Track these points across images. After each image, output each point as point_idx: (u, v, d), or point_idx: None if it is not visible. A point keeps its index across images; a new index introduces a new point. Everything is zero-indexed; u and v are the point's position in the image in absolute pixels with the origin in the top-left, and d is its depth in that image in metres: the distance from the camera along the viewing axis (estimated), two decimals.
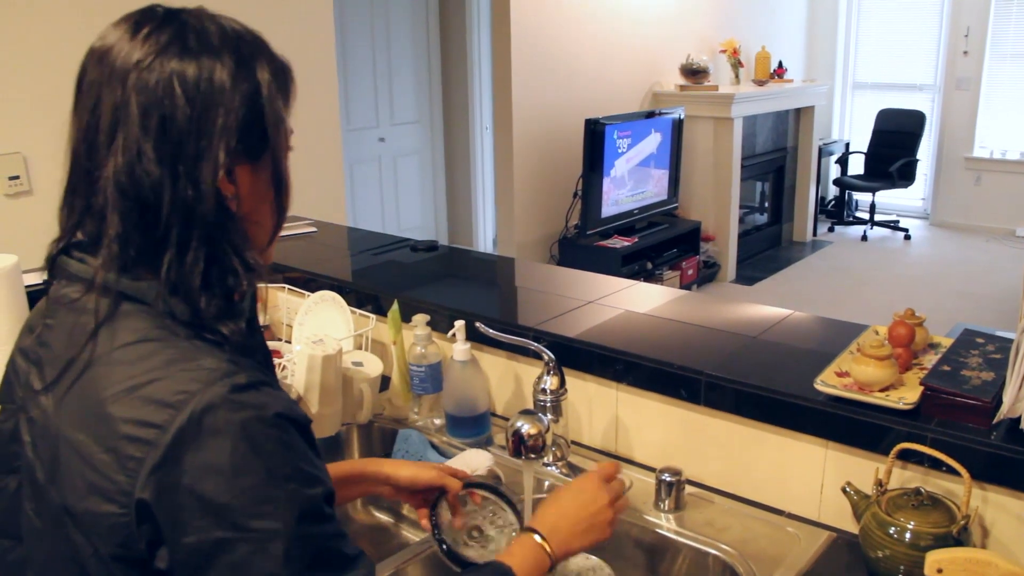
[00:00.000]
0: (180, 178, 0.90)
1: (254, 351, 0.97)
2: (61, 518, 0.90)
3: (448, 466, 1.43)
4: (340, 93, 4.44)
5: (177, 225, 0.90)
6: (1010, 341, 1.32)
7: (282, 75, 1.03)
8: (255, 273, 0.96)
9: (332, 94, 4.08)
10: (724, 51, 6.98)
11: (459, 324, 1.78)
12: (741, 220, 6.92)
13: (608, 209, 5.70)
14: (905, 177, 7.94)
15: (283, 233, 2.47)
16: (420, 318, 1.86)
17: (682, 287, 6.07)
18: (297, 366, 1.72)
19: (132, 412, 0.86)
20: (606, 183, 5.62)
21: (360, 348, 1.96)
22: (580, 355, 1.69)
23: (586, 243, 5.64)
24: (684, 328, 1.75)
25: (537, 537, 1.18)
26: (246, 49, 0.98)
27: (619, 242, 5.69)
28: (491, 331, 1.70)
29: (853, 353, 1.46)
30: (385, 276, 2.18)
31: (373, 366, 1.87)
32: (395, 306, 1.89)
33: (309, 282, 2.17)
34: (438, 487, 1.33)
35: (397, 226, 6.68)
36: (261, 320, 2.12)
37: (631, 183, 5.87)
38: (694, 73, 6.57)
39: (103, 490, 0.86)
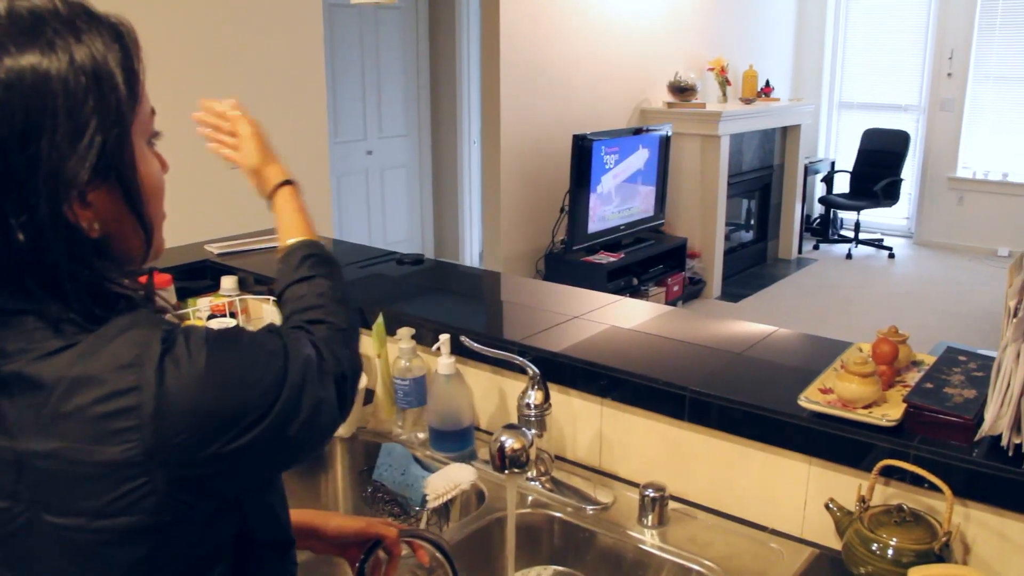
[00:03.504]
0: (12, 223, 0.81)
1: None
2: (67, 536, 0.83)
3: (383, 519, 1.34)
4: (328, 105, 4.44)
5: (29, 273, 0.83)
6: (992, 359, 1.33)
7: (118, 45, 0.86)
8: (135, 292, 0.89)
9: (320, 106, 4.08)
10: (712, 69, 7.01)
11: (444, 338, 1.77)
12: (727, 237, 6.94)
13: (595, 225, 5.71)
14: (890, 196, 7.99)
15: (270, 244, 2.48)
16: (405, 331, 1.85)
17: (667, 303, 6.08)
18: None
19: (95, 392, 0.80)
20: (593, 199, 5.63)
21: None
22: (565, 370, 1.69)
23: (572, 258, 5.64)
24: (669, 344, 1.75)
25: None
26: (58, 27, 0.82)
27: (605, 258, 5.70)
28: (476, 345, 1.69)
29: (837, 370, 1.46)
30: (370, 289, 2.18)
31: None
32: (380, 319, 1.88)
33: None
34: (371, 537, 1.24)
35: (383, 239, 6.67)
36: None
37: (618, 199, 5.89)
38: (682, 91, 6.60)
39: (114, 476, 0.81)
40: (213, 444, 0.84)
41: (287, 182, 1.32)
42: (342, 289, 1.16)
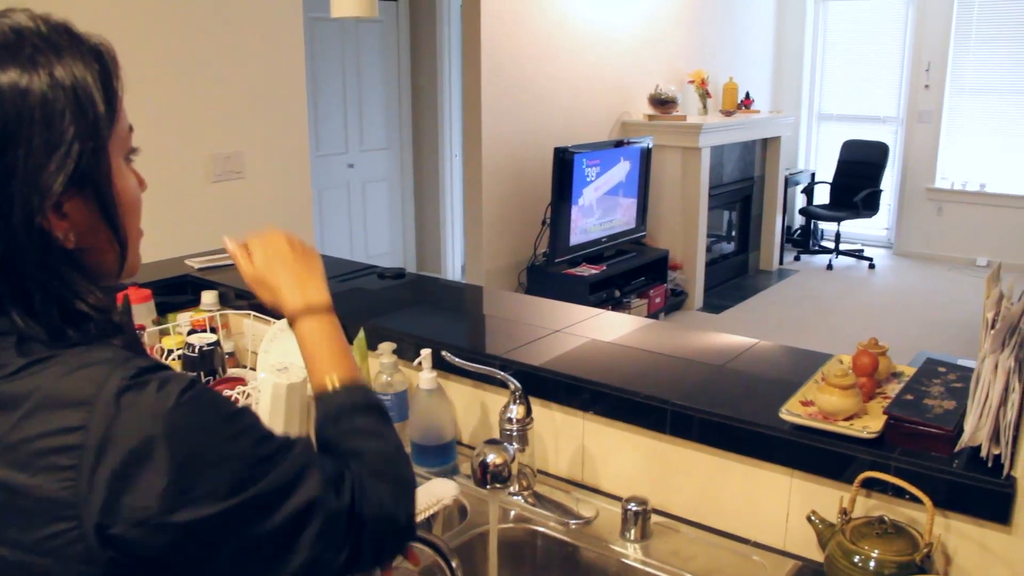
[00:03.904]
0: None
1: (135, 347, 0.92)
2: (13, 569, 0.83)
3: None
4: (309, 118, 4.44)
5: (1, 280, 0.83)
6: (971, 370, 1.33)
7: (98, 65, 0.87)
8: (104, 312, 0.88)
9: (301, 119, 4.07)
10: (692, 82, 7.05)
11: (425, 352, 1.77)
12: (708, 249, 6.97)
13: (576, 237, 5.72)
14: (869, 207, 8.04)
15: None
16: (386, 346, 1.84)
17: (649, 315, 6.10)
18: (262, 394, 1.70)
19: (44, 426, 0.79)
20: (574, 211, 5.64)
21: None
22: (546, 384, 1.68)
23: (554, 271, 5.65)
24: (651, 357, 1.75)
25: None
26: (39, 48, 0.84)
27: (587, 270, 5.71)
28: (457, 360, 1.69)
29: (818, 382, 1.47)
30: (351, 303, 2.17)
31: None
32: (361, 334, 1.87)
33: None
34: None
35: (365, 253, 6.66)
36: (227, 347, 2.11)
37: (599, 211, 5.90)
38: (662, 103, 6.63)
39: (47, 514, 0.79)
40: (152, 506, 0.79)
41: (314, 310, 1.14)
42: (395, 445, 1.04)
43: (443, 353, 1.72)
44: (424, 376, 1.77)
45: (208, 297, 2.19)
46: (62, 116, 0.83)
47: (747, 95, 7.53)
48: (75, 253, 0.87)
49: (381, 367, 1.84)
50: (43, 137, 0.82)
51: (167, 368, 0.85)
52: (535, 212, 5.77)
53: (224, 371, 1.93)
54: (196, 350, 1.87)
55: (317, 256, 1.22)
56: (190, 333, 2.02)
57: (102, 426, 0.78)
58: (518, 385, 1.62)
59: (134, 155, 0.94)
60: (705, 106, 7.11)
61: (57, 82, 0.83)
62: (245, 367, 2.10)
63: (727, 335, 1.88)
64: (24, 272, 0.83)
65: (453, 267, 7.05)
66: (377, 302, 2.18)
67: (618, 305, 5.86)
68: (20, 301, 0.84)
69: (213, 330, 2.11)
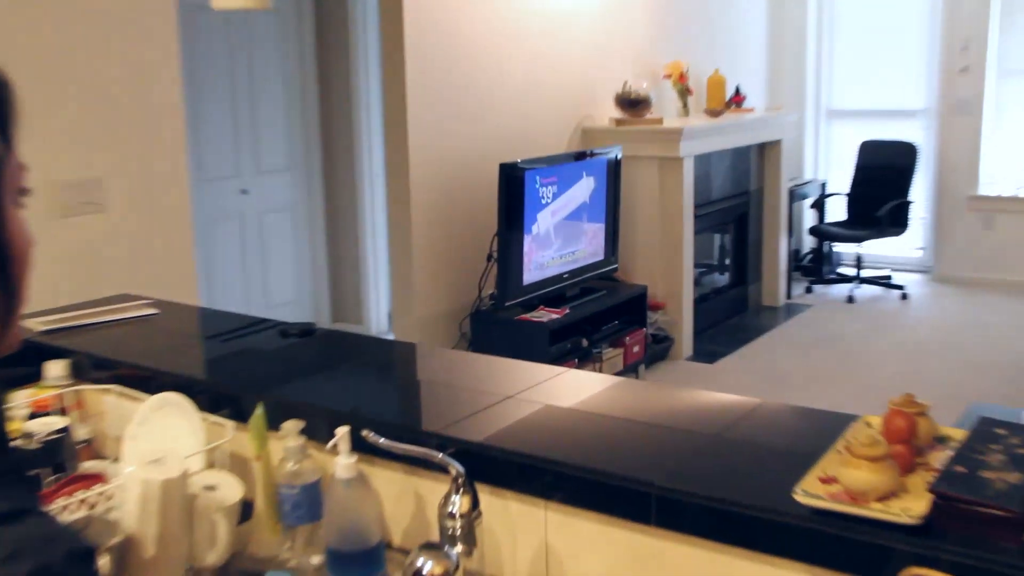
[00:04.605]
0: None
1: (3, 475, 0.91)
2: None
3: None
4: (189, 135, 4.42)
5: None
6: None
7: None
8: None
9: (177, 135, 4.06)
10: (669, 76, 7.14)
11: (342, 431, 1.75)
12: (697, 282, 7.03)
13: (531, 274, 5.73)
14: (897, 223, 8.16)
15: (113, 317, 2.44)
16: (291, 425, 1.83)
17: (626, 368, 6.15)
18: (128, 494, 1.67)
19: None
20: (528, 242, 5.65)
21: (213, 467, 1.92)
22: (498, 466, 1.68)
23: (505, 317, 5.66)
24: (629, 427, 1.75)
25: None
26: None
27: (546, 315, 5.71)
28: (383, 440, 1.68)
29: (841, 453, 1.46)
30: (246, 370, 2.17)
31: (230, 490, 1.84)
32: (259, 410, 1.87)
33: (146, 381, 2.13)
34: None
35: (264, 303, 6.65)
36: (82, 433, 2.06)
37: (559, 241, 5.92)
38: (633, 104, 6.69)
39: None
40: None
41: None
42: None
43: (365, 432, 1.72)
44: (341, 462, 1.75)
45: (55, 368, 2.16)
46: None
47: (737, 90, 7.65)
48: None
49: (286, 452, 1.82)
50: None
51: (32, 515, 0.84)
52: (479, 245, 5.77)
53: (77, 466, 1.90)
54: (38, 440, 1.82)
55: None
56: (31, 417, 1.98)
57: None
58: (461, 470, 1.61)
59: (24, 196, 0.96)
60: (686, 105, 7.20)
61: None
62: (107, 459, 2.06)
63: (723, 394, 1.89)
64: None
65: (377, 317, 7.05)
66: (280, 367, 2.18)
67: (586, 358, 5.89)
68: None
69: (62, 412, 2.07)
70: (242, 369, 2.18)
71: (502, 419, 1.80)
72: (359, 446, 1.76)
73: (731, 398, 1.87)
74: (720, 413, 1.79)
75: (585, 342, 5.90)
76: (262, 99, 6.54)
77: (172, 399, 1.97)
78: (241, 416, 1.96)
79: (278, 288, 6.79)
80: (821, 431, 1.63)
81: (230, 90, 6.35)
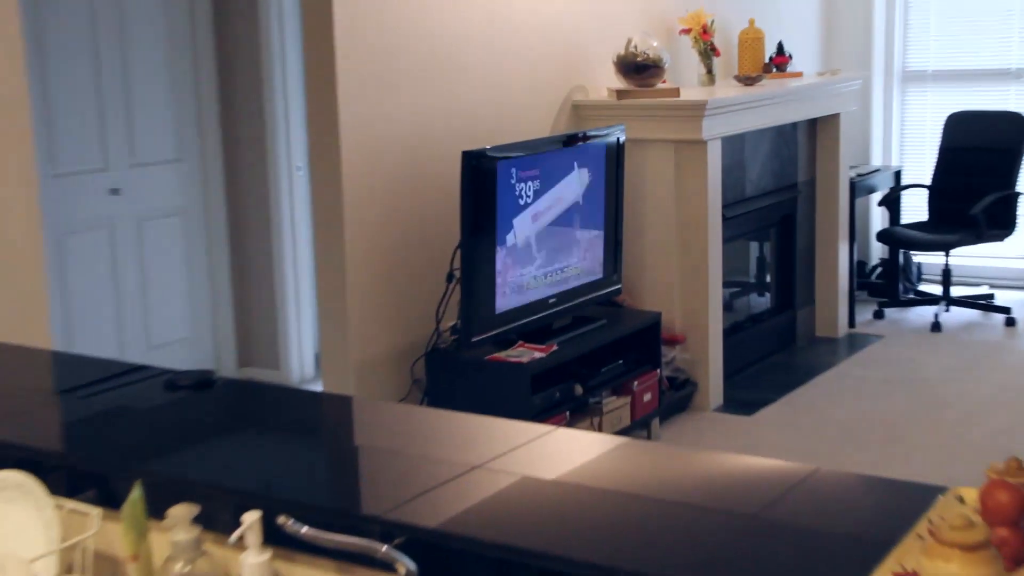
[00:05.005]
0: None
1: None
2: None
3: None
4: (37, 115, 4.40)
5: None
6: None
7: None
8: None
9: (20, 116, 4.04)
10: (688, 31, 7.13)
11: (251, 518, 1.76)
12: (728, 307, 7.03)
13: (506, 299, 5.72)
14: (998, 223, 8.14)
15: None
16: (182, 511, 1.82)
17: (635, 423, 6.14)
18: None
19: None
20: (501, 256, 5.64)
21: (72, 573, 1.91)
22: (458, 561, 1.68)
23: (472, 357, 5.65)
24: (638, 505, 1.75)
25: None
26: None
27: (527, 353, 5.69)
28: (307, 529, 1.69)
29: (923, 538, 1.46)
30: (119, 437, 2.17)
31: None
32: (136, 491, 1.86)
33: None
34: None
35: (144, 343, 6.63)
36: None
37: (543, 254, 5.92)
38: (639, 69, 6.69)
39: None
40: None
41: None
42: None
43: (282, 519, 1.72)
44: (250, 560, 1.76)
45: None
46: None
47: (780, 49, 7.66)
48: None
49: (173, 548, 1.82)
50: None
51: None
52: (436, 261, 5.76)
53: None
54: None
55: None
56: None
57: None
58: (412, 567, 1.62)
59: None
60: (711, 71, 7.20)
61: None
62: None
63: (764, 459, 1.90)
64: None
65: (300, 361, 7.07)
66: (165, 432, 2.18)
67: (581, 411, 5.88)
68: None
69: None
70: (112, 436, 2.18)
71: (467, 497, 1.79)
72: (274, 537, 1.76)
73: (775, 464, 1.87)
74: (760, 485, 1.79)
75: (579, 389, 5.87)
76: (139, 71, 6.52)
77: (13, 480, 1.95)
78: (111, 501, 1.94)
79: (164, 322, 6.76)
80: (896, 509, 1.64)
81: (94, 61, 6.33)
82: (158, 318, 6.72)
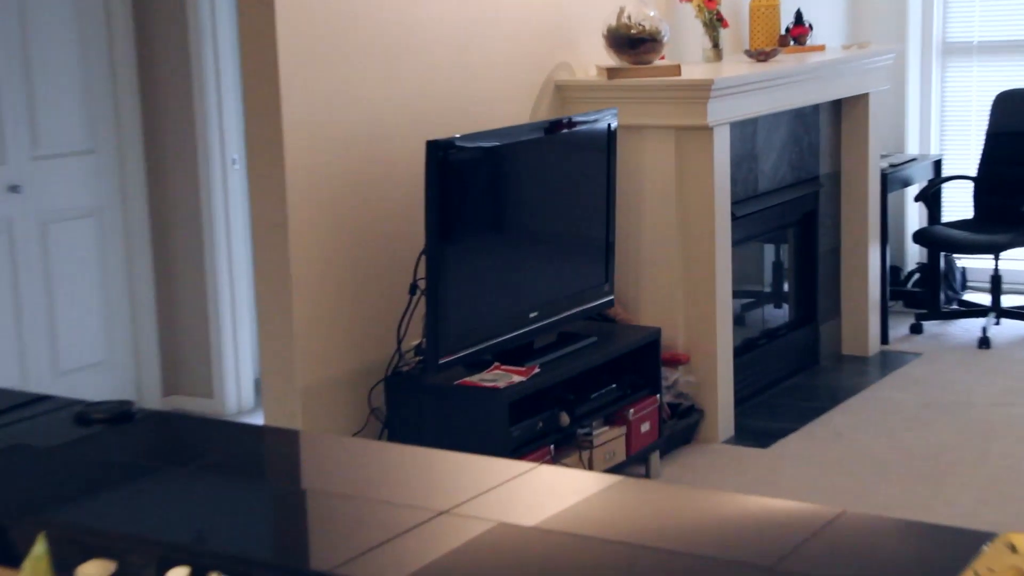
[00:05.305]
0: None
1: None
2: None
3: None
4: None
5: None
6: None
7: None
8: None
9: None
10: None
11: (177, 575, 1.75)
12: (739, 321, 7.04)
13: (479, 314, 5.72)
14: None
15: None
16: (95, 569, 1.82)
17: (631, 458, 6.15)
18: None
19: None
20: (473, 263, 5.65)
21: None
22: None
23: (440, 382, 5.64)
24: (634, 555, 1.76)
25: None
26: None
27: (503, 376, 5.70)
28: None
29: None
30: (18, 480, 2.17)
31: None
32: (40, 546, 1.84)
33: None
34: None
35: (50, 368, 6.62)
36: None
37: (521, 261, 5.92)
38: (633, 44, 6.71)
39: None
40: None
41: None
42: None
43: None
44: None
45: None
46: None
47: (799, 18, 7.67)
48: None
49: None
50: None
51: None
52: (397, 269, 5.77)
53: None
54: None
55: None
56: None
57: None
58: None
59: None
60: (717, 45, 7.22)
61: None
62: None
63: (782, 500, 1.90)
64: None
65: (237, 388, 7.07)
66: (74, 473, 2.19)
67: (567, 443, 5.89)
68: None
69: None
70: (11, 479, 2.19)
71: (433, 548, 1.80)
72: None
73: (794, 506, 1.88)
74: (777, 531, 1.80)
75: (565, 419, 5.86)
76: (40, 45, 6.49)
77: None
78: (10, 558, 1.94)
79: (74, 344, 6.74)
80: (937, 559, 1.66)
81: None
82: (67, 339, 6.70)
